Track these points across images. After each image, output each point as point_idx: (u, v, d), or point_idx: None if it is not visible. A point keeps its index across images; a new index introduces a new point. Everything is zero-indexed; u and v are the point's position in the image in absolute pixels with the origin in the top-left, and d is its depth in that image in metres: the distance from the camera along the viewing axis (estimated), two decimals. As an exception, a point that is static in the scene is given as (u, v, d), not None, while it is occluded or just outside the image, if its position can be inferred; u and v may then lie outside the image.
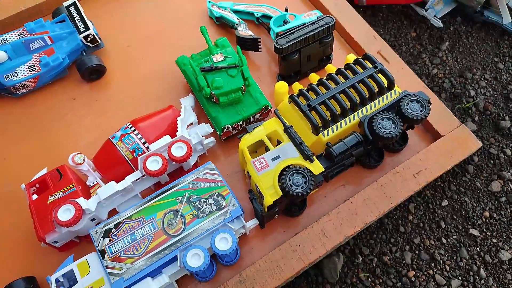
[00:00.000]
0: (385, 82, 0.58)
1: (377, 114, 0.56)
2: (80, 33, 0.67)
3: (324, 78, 0.59)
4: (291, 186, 0.51)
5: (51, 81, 0.70)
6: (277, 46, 0.62)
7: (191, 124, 0.64)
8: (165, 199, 0.54)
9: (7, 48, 0.66)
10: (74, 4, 0.69)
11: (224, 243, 0.51)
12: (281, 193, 0.51)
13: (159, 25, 0.77)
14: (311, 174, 0.52)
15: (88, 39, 0.68)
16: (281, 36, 0.63)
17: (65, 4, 0.69)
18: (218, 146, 0.66)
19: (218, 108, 0.62)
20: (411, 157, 0.63)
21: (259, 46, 0.70)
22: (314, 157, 0.53)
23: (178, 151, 0.57)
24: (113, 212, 0.58)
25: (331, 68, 0.62)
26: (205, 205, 0.53)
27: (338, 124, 0.56)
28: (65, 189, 0.55)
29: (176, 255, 0.51)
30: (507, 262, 0.64)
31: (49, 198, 0.55)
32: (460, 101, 0.78)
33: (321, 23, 0.64)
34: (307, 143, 0.55)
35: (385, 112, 0.56)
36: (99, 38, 0.71)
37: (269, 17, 0.73)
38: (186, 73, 0.65)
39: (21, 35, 0.68)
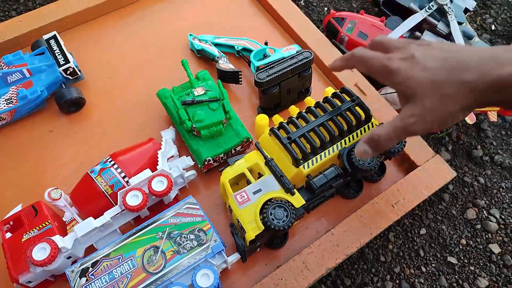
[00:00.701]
0: (362, 115, 0.60)
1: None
2: (60, 66, 0.66)
3: (304, 111, 0.60)
4: (273, 220, 0.51)
5: (28, 114, 0.69)
6: (257, 80, 0.64)
7: (172, 156, 0.63)
8: (145, 235, 0.53)
9: (-17, 81, 0.65)
10: (54, 37, 0.69)
11: (205, 279, 0.50)
12: (263, 228, 0.51)
13: (141, 57, 0.78)
14: (293, 208, 0.52)
15: (68, 72, 0.67)
16: (261, 70, 0.65)
17: (45, 37, 0.69)
18: (199, 179, 0.66)
19: (199, 141, 0.62)
20: (389, 187, 0.64)
21: (240, 79, 0.72)
22: (295, 190, 0.54)
23: (159, 185, 0.56)
24: (90, 249, 0.57)
25: (310, 101, 0.63)
26: (186, 240, 0.53)
27: (318, 156, 0.57)
28: (41, 226, 0.54)
29: (156, 294, 0.50)
30: (484, 289, 0.65)
31: (24, 236, 0.53)
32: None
33: (300, 57, 0.66)
34: (288, 175, 0.56)
35: None
36: (79, 71, 0.71)
37: (250, 50, 0.75)
38: (167, 106, 0.66)
39: (-2, 68, 0.67)
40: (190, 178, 0.62)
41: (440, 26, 0.81)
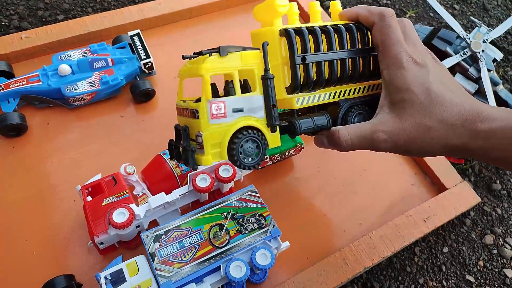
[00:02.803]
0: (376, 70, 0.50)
1: (357, 106, 0.51)
2: (141, 59, 0.74)
3: (331, 25, 0.47)
4: (241, 154, 0.43)
5: (105, 98, 0.76)
6: None
7: (232, 151, 0.71)
8: (211, 214, 0.59)
9: (72, 64, 0.72)
10: (138, 34, 0.77)
11: (263, 259, 0.56)
12: (226, 158, 0.43)
13: (203, 63, 0.86)
14: (266, 146, 0.45)
15: (147, 66, 0.76)
16: None
17: (130, 33, 0.77)
18: (251, 175, 0.72)
19: (260, 140, 0.69)
20: (421, 203, 0.72)
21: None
22: (277, 128, 0.46)
23: (225, 172, 0.63)
24: (152, 223, 0.63)
25: (335, 6, 0.51)
26: (248, 222, 0.59)
27: (317, 96, 0.49)
28: (119, 194, 0.60)
29: (219, 265, 0.55)
30: (499, 308, 0.71)
31: (104, 201, 0.59)
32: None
33: None
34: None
35: (364, 106, 0.51)
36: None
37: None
38: (232, 106, 0.73)
39: (84, 54, 0.75)
40: (246, 172, 0.69)
41: (471, 70, 0.90)
